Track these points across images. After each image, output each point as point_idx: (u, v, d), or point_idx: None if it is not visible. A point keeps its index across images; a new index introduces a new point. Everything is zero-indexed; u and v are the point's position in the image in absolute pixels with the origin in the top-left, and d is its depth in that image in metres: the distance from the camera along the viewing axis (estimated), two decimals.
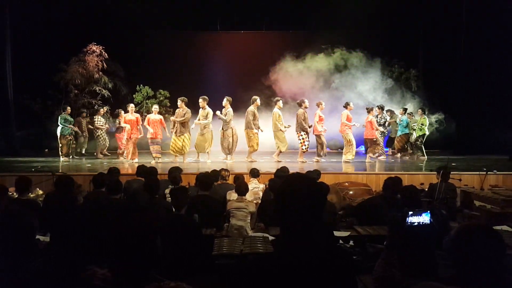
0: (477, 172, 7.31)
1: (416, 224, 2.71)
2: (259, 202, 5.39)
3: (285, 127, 9.87)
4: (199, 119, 9.79)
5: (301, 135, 9.73)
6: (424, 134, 10.62)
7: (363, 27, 13.65)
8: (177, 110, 9.94)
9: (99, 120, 11.14)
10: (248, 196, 4.94)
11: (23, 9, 12.22)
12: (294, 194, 1.51)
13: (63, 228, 3.12)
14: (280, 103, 9.89)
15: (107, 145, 11.41)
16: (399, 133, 10.70)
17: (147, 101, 14.27)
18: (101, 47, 13.43)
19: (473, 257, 1.41)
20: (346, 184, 6.69)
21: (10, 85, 11.81)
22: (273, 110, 9.96)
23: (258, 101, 9.90)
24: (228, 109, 9.75)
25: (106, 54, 13.46)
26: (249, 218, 4.55)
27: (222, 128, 9.89)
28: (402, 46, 13.89)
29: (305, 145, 9.73)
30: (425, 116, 10.68)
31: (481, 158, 9.94)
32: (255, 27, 15.06)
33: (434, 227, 2.76)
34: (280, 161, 9.56)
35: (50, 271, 1.82)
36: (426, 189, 5.99)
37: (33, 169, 7.77)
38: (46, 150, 12.29)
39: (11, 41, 11.81)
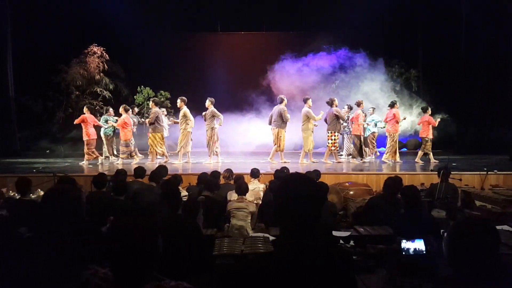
0: (478, 172, 7.31)
1: (412, 252, 2.68)
2: (260, 202, 5.40)
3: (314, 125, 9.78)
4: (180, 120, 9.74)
5: (334, 135, 9.59)
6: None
7: (364, 28, 13.66)
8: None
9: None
10: (249, 196, 4.95)
11: (24, 11, 12.25)
12: (293, 195, 1.51)
13: (63, 228, 3.13)
14: (310, 102, 9.73)
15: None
16: (368, 132, 10.69)
17: (148, 102, 14.29)
18: (102, 48, 13.48)
19: (469, 251, 1.41)
20: (347, 184, 6.69)
21: (11, 86, 11.84)
22: (303, 109, 9.75)
23: (286, 100, 9.76)
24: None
25: (107, 56, 13.51)
26: (250, 218, 4.56)
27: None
28: (402, 46, 13.90)
29: (334, 146, 9.64)
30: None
31: (482, 158, 9.94)
32: (255, 28, 15.09)
33: (430, 256, 2.71)
34: (316, 162, 9.49)
35: (50, 271, 1.84)
36: (427, 189, 5.99)
37: (34, 170, 7.79)
38: (47, 151, 12.32)
39: (12, 43, 11.84)
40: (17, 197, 5.13)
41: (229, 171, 6.09)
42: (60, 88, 13.36)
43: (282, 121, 9.36)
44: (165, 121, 10.49)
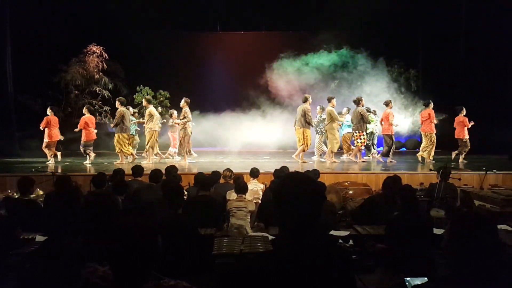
0: (477, 172, 7.32)
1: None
2: (259, 201, 5.40)
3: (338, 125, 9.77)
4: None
5: (363, 135, 9.52)
6: (372, 132, 10.58)
7: (363, 27, 13.66)
8: None
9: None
10: (248, 196, 4.95)
11: (23, 10, 12.22)
12: (292, 194, 1.51)
13: (63, 228, 3.12)
14: (334, 101, 9.74)
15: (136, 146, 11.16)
16: (343, 132, 10.66)
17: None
18: (101, 47, 13.46)
19: (468, 246, 1.40)
20: (346, 183, 6.69)
21: (10, 85, 11.81)
22: (327, 108, 9.78)
23: (310, 99, 9.72)
24: (186, 109, 9.62)
25: (106, 55, 13.49)
26: (249, 217, 4.56)
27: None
28: (402, 46, 13.90)
29: (361, 144, 9.57)
30: (372, 115, 10.54)
31: (481, 157, 9.95)
32: (255, 28, 15.09)
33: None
34: (336, 162, 9.49)
35: (50, 270, 1.83)
36: (426, 188, 6.00)
37: (33, 170, 7.78)
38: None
39: (11, 42, 11.81)
40: (16, 196, 5.13)
41: (230, 170, 6.10)
42: (59, 88, 13.34)
43: (305, 120, 9.33)
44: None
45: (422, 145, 9.77)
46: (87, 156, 9.57)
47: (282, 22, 14.80)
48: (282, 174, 5.61)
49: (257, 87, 13.33)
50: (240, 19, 14.74)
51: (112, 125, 9.65)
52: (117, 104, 9.56)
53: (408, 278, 2.52)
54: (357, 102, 9.61)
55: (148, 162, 9.28)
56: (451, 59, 12.87)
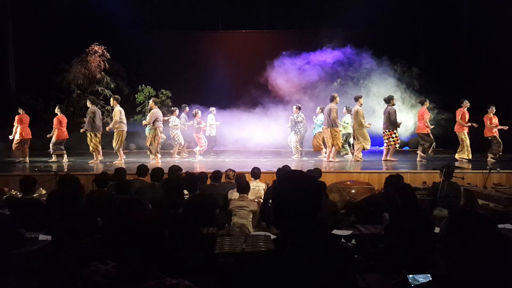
0: (481, 171, 7.28)
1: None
2: (261, 201, 5.39)
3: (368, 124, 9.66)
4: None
5: (394, 133, 9.36)
6: (349, 132, 10.38)
7: (365, 26, 13.62)
8: None
9: (174, 120, 10.78)
10: (250, 195, 4.95)
11: (25, 10, 12.26)
12: (289, 192, 1.51)
13: (65, 227, 3.13)
14: (362, 100, 9.62)
15: (183, 144, 11.01)
16: (314, 132, 10.52)
17: (149, 101, 14.29)
18: (103, 47, 13.47)
19: (463, 244, 1.37)
20: (348, 182, 6.66)
21: (12, 85, 11.85)
22: (354, 107, 9.63)
23: (338, 98, 9.63)
24: (154, 109, 9.64)
25: (108, 54, 13.51)
26: (251, 216, 4.55)
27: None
28: (404, 44, 13.84)
29: (394, 143, 9.43)
30: (349, 115, 10.37)
31: (484, 156, 9.90)
32: (256, 26, 15.07)
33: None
34: (362, 160, 9.42)
35: (52, 268, 1.84)
36: (429, 187, 5.98)
37: (36, 169, 7.80)
38: (50, 150, 12.32)
39: (13, 42, 11.85)
40: (19, 195, 5.15)
41: (232, 170, 6.11)
42: (61, 87, 13.36)
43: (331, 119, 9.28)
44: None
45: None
46: (53, 155, 9.72)
47: (283, 21, 14.78)
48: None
49: (258, 86, 13.31)
50: (242, 17, 14.73)
51: (84, 125, 9.61)
52: (88, 103, 9.59)
53: (411, 276, 2.51)
54: (388, 100, 9.43)
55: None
56: (453, 57, 12.80)
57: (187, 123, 10.88)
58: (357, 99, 9.63)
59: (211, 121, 11.22)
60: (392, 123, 9.25)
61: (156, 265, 1.55)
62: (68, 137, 10.04)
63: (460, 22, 12.55)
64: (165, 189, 3.60)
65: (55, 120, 9.80)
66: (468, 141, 9.64)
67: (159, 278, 1.51)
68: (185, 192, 4.65)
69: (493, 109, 9.71)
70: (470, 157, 9.55)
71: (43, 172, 7.33)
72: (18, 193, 5.66)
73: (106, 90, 13.61)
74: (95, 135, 9.34)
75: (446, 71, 12.97)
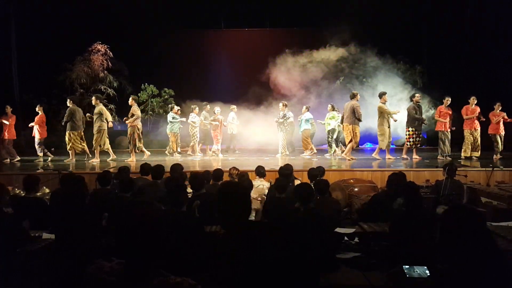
0: (484, 168, 7.25)
1: (415, 276, 2.53)
2: (264, 198, 5.39)
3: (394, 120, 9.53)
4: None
5: (415, 133, 9.39)
6: (334, 129, 10.37)
7: (368, 24, 13.56)
8: None
9: (193, 117, 10.75)
10: (254, 194, 4.94)
11: (28, 9, 12.28)
12: (222, 197, 2.06)
13: (69, 226, 3.14)
14: (386, 97, 9.50)
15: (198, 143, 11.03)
16: (299, 130, 10.50)
17: (152, 100, 14.33)
18: (106, 46, 13.51)
19: (457, 236, 1.38)
20: (351, 181, 6.66)
21: (16, 84, 11.89)
22: (378, 104, 9.49)
23: (358, 95, 9.61)
24: (134, 106, 9.61)
25: (111, 53, 13.54)
26: (254, 214, 4.55)
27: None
28: (406, 42, 13.79)
29: (409, 142, 9.47)
30: (334, 112, 10.38)
31: (488, 154, 9.86)
32: (259, 25, 15.06)
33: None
34: (379, 159, 9.35)
35: (55, 267, 1.84)
36: (432, 185, 5.96)
37: (39, 168, 7.83)
38: (52, 149, 12.36)
39: (16, 41, 11.88)
40: (22, 194, 5.17)
41: (236, 169, 6.10)
42: (64, 86, 13.40)
43: (355, 117, 9.20)
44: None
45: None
46: (44, 154, 9.81)
47: (286, 19, 14.75)
48: (287, 172, 5.59)
49: (261, 84, 13.30)
50: (245, 16, 14.71)
51: (63, 122, 9.68)
52: (68, 102, 9.58)
53: (407, 266, 2.50)
54: (411, 98, 9.51)
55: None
56: (456, 55, 12.74)
57: (206, 122, 10.83)
58: (381, 96, 9.45)
59: (232, 120, 11.23)
60: (413, 120, 9.28)
61: (161, 263, 1.56)
62: (46, 135, 10.06)
63: (463, 19, 12.47)
64: (168, 187, 3.59)
65: (39, 118, 9.79)
66: (471, 139, 9.58)
67: (163, 276, 1.51)
68: (189, 190, 4.66)
69: (499, 106, 9.66)
70: (469, 154, 9.54)
71: (46, 170, 7.35)
72: (22, 192, 5.69)
73: (109, 89, 13.64)
74: (74, 134, 9.37)
75: (447, 70, 12.91)
